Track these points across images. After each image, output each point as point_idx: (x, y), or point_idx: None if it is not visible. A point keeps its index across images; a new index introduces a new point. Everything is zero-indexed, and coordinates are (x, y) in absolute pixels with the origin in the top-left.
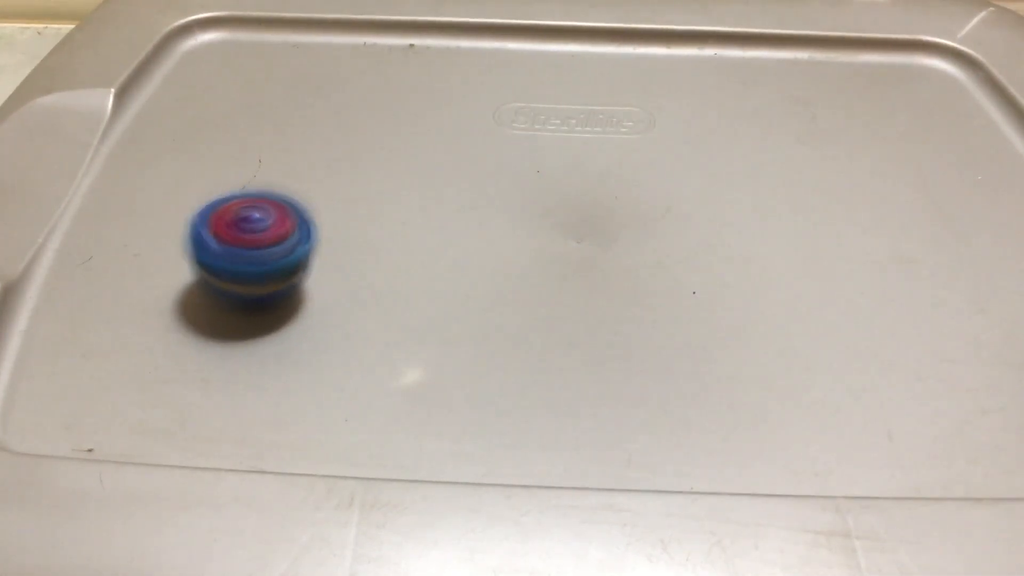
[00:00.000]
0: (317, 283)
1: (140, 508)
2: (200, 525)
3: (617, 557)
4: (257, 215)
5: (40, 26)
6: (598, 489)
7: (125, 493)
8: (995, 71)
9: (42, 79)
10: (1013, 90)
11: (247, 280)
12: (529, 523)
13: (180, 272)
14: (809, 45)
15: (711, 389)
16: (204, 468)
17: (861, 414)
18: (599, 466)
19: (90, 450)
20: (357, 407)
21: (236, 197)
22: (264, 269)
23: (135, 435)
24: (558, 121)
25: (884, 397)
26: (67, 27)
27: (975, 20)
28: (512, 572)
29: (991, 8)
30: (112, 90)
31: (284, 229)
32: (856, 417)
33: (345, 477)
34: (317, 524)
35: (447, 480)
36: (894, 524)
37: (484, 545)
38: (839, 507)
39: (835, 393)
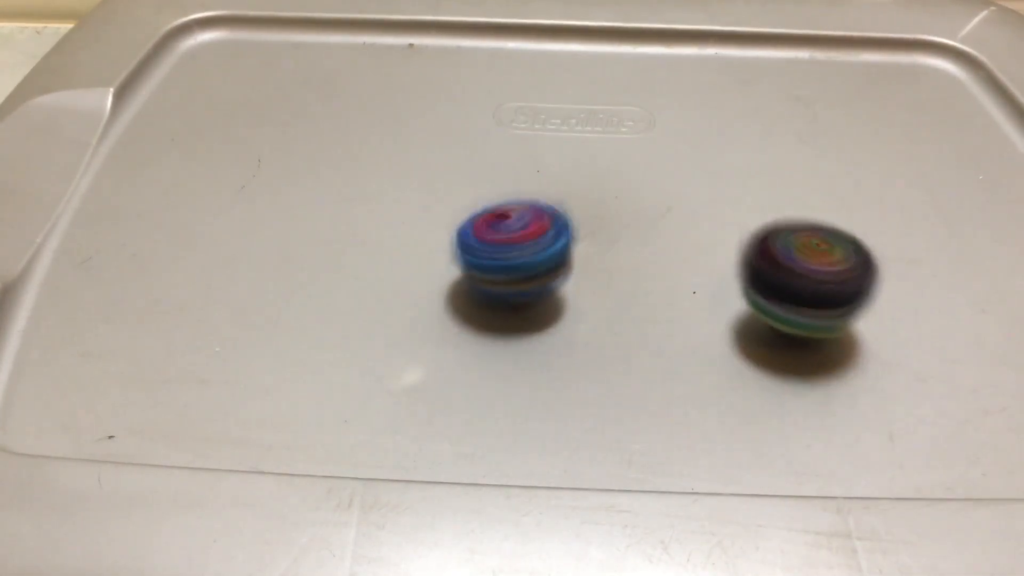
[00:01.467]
0: (316, 283)
1: (140, 508)
2: (200, 525)
3: (617, 558)
4: (513, 217)
5: (39, 25)
6: (598, 490)
7: (125, 493)
8: (996, 71)
9: (41, 78)
10: (1014, 89)
11: (510, 274)
12: (529, 523)
13: (179, 272)
14: (809, 44)
15: (711, 389)
16: (204, 468)
17: (862, 414)
18: (599, 466)
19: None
20: (357, 407)
21: (492, 208)
22: (523, 262)
23: (135, 435)
24: (558, 121)
25: (885, 397)
26: (66, 26)
27: (976, 19)
28: (512, 573)
29: (992, 7)
30: (111, 90)
31: (540, 227)
32: (857, 417)
33: (345, 477)
34: (317, 525)
35: (447, 480)
36: (895, 525)
37: (484, 545)
38: (840, 508)
39: (835, 393)
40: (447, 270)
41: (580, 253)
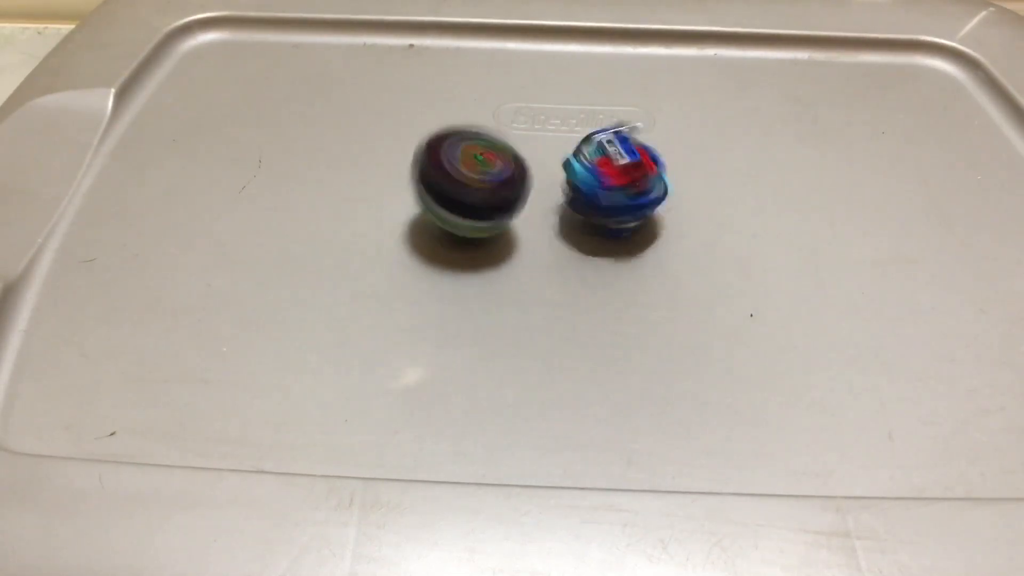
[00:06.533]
0: (316, 283)
1: (140, 508)
2: (201, 524)
3: (617, 557)
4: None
5: (40, 26)
6: (598, 489)
7: (125, 493)
8: (995, 71)
9: (42, 79)
10: (1013, 90)
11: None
12: (529, 523)
13: (180, 272)
14: (809, 45)
15: (711, 389)
16: (204, 468)
17: (861, 414)
18: (599, 466)
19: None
20: (357, 407)
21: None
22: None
23: (136, 435)
24: (558, 121)
25: (884, 397)
26: (67, 27)
27: (975, 20)
28: (512, 572)
29: (991, 8)
30: (112, 90)
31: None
32: (856, 417)
33: (345, 477)
34: (317, 524)
35: (447, 480)
36: (894, 524)
37: (484, 545)
38: (839, 507)
39: (835, 393)
40: (446, 270)
41: (579, 253)
